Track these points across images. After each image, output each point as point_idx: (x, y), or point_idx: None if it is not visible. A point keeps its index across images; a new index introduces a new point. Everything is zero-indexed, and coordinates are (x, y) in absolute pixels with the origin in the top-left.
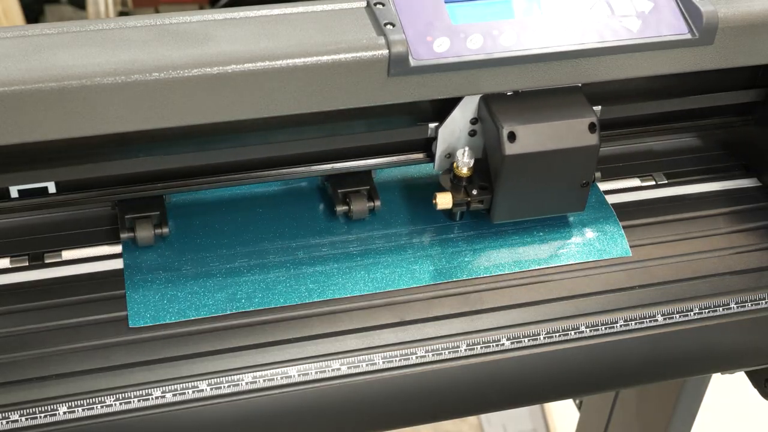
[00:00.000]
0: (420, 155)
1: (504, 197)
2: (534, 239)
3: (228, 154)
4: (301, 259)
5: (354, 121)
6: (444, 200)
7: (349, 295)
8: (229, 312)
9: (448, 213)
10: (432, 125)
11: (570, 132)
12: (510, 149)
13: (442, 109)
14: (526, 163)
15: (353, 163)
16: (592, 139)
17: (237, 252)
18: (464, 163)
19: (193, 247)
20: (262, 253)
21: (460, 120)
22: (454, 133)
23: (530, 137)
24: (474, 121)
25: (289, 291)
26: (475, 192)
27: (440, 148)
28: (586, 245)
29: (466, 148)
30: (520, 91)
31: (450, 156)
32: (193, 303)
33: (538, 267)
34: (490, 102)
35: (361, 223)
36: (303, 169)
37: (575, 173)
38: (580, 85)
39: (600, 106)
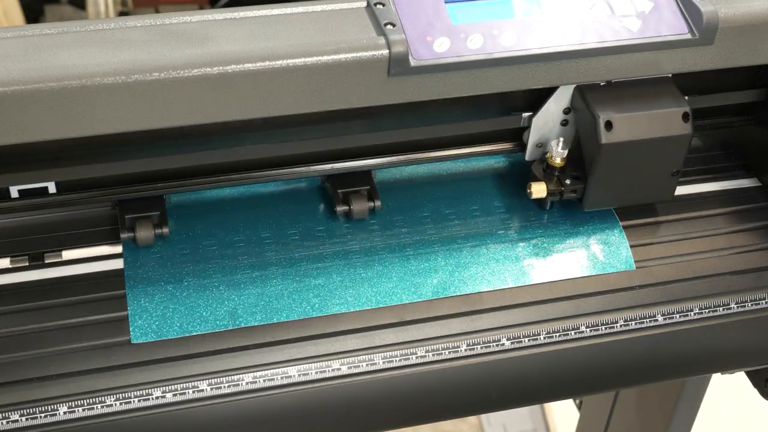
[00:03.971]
0: (509, 145)
1: (597, 186)
2: (538, 251)
3: (228, 154)
4: (303, 270)
5: (447, 110)
6: (539, 189)
7: (351, 310)
8: (230, 328)
9: (539, 202)
10: (525, 115)
11: (664, 121)
12: (607, 138)
13: (536, 98)
14: (621, 151)
15: (353, 163)
16: (685, 128)
17: (239, 262)
18: (558, 153)
19: (193, 255)
20: (263, 265)
21: (554, 110)
22: (547, 123)
23: (626, 126)
24: (566, 111)
25: (291, 307)
26: (568, 181)
27: (533, 138)
28: (590, 259)
29: (561, 139)
30: (612, 81)
31: (541, 146)
32: (195, 318)
33: (542, 282)
34: (585, 92)
35: (364, 228)
36: (303, 169)
37: (667, 162)
38: (670, 75)
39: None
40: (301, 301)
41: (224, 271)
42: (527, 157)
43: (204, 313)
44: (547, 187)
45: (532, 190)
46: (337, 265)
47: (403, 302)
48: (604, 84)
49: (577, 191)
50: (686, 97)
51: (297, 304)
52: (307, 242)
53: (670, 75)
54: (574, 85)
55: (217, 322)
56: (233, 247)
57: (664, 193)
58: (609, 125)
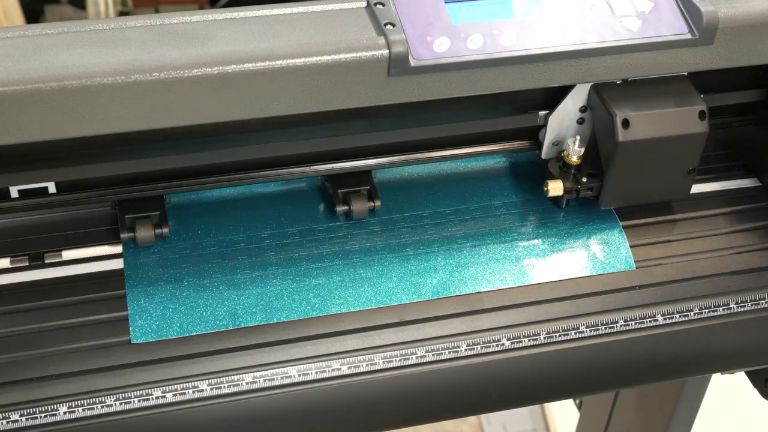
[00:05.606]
0: (525, 143)
1: (614, 184)
2: (537, 252)
3: (228, 154)
4: (303, 270)
5: (461, 108)
6: (556, 187)
7: (351, 311)
8: (230, 328)
9: (555, 200)
10: (542, 113)
11: (681, 119)
12: (624, 136)
13: (553, 97)
14: (638, 149)
15: (353, 163)
16: (702, 126)
17: (239, 262)
18: (575, 151)
19: (193, 255)
20: (263, 264)
21: (571, 109)
22: (563, 121)
23: (643, 124)
24: (583, 110)
25: (291, 307)
26: (584, 179)
27: (549, 137)
28: (590, 259)
29: (577, 137)
30: (628, 80)
31: (557, 144)
32: (195, 319)
33: (541, 281)
34: (601, 90)
35: (364, 227)
36: (303, 169)
37: (683, 160)
38: (686, 73)
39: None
40: (301, 301)
41: (224, 271)
42: (543, 155)
43: (204, 313)
44: (564, 185)
45: (549, 188)
46: (337, 265)
47: (403, 302)
48: (620, 82)
49: (593, 189)
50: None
51: (297, 304)
52: (307, 242)
53: (686, 73)
54: (591, 84)
55: (217, 322)
56: (233, 247)
57: (680, 191)
58: (626, 123)
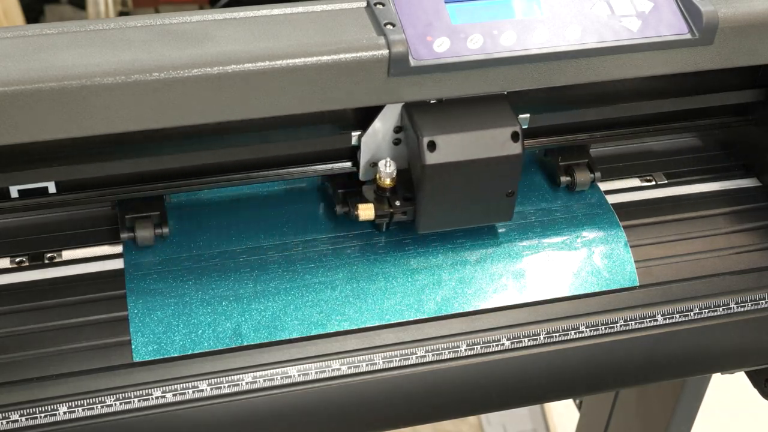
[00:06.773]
0: (347, 164)
1: (427, 208)
2: (542, 266)
3: (227, 154)
4: (306, 285)
5: (282, 128)
6: (366, 212)
7: (354, 327)
8: (233, 346)
9: (373, 225)
10: (355, 134)
11: (493, 141)
12: (430, 159)
13: (365, 117)
14: (447, 172)
15: (351, 163)
16: (515, 148)
17: (241, 275)
18: (386, 173)
19: (195, 265)
20: (266, 280)
21: (381, 129)
22: (377, 142)
23: (451, 146)
24: (398, 130)
25: (294, 325)
26: (398, 203)
27: (364, 158)
28: (593, 274)
29: (388, 159)
30: (443, 99)
31: (375, 165)
32: (197, 337)
33: (545, 299)
34: (411, 111)
35: (367, 239)
36: (303, 169)
37: (499, 183)
38: (505, 93)
39: (528, 114)
40: (304, 317)
41: (226, 286)
42: (361, 177)
43: (207, 331)
44: (376, 209)
45: (359, 212)
46: (341, 278)
47: (408, 318)
48: (434, 101)
49: (407, 213)
50: (525, 116)
51: (300, 321)
52: (310, 254)
53: (506, 93)
54: (402, 104)
55: (219, 341)
56: (237, 270)
57: (501, 214)
58: (432, 145)
